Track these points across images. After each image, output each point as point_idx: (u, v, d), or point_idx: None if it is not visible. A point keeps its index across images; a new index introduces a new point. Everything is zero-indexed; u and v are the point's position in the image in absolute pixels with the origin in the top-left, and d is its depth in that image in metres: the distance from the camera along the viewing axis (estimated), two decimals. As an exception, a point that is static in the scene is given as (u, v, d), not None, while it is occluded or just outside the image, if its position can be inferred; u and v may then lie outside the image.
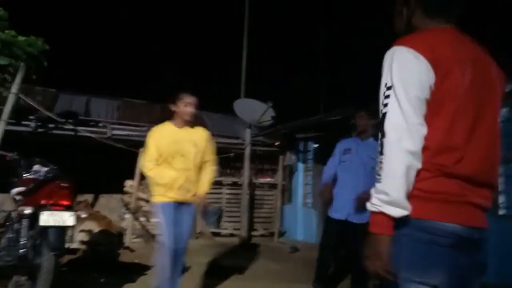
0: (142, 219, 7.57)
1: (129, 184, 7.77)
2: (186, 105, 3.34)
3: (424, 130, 1.26)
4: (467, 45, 1.40)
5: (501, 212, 4.95)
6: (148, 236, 7.45)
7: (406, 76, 1.27)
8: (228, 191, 8.79)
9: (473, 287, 1.34)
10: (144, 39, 16.11)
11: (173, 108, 3.40)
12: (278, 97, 8.71)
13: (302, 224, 8.84)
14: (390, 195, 1.22)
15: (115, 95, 10.34)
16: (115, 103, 10.00)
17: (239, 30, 8.82)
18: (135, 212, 7.45)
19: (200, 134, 3.43)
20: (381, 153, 1.27)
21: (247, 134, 8.33)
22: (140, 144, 7.80)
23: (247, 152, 8.26)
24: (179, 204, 3.28)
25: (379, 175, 1.26)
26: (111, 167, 7.94)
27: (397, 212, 1.23)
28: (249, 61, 8.62)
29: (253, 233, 8.62)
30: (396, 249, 1.27)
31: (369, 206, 1.29)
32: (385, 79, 1.32)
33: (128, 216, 7.49)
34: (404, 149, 1.23)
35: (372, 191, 1.29)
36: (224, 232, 8.45)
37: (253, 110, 8.13)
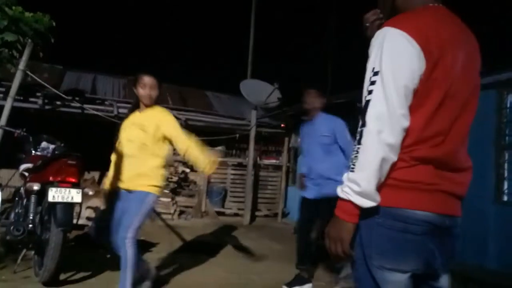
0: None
1: (135, 162, 7.82)
2: (143, 87, 3.05)
3: (406, 122, 1.21)
4: (458, 26, 1.34)
5: (505, 198, 4.94)
6: (153, 214, 7.54)
7: (396, 63, 1.20)
8: (233, 172, 8.83)
9: (442, 272, 1.36)
10: (152, 19, 15.96)
11: (135, 92, 3.13)
12: (285, 78, 8.66)
13: (305, 206, 8.89)
14: (362, 186, 1.19)
15: (122, 74, 10.33)
16: (122, 81, 10.00)
17: (246, 11, 8.72)
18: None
19: (151, 116, 3.09)
20: (359, 142, 1.21)
21: (253, 116, 8.31)
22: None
23: (253, 133, 8.27)
24: (127, 192, 3.08)
25: (353, 163, 1.22)
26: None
27: (365, 203, 1.21)
28: (256, 42, 8.53)
29: (257, 213, 8.71)
30: (369, 236, 1.27)
31: (339, 191, 1.27)
32: (372, 63, 1.24)
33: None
34: (383, 142, 1.18)
35: (344, 177, 1.26)
36: (228, 211, 8.54)
37: (259, 91, 8.09)
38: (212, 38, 15.59)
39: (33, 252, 3.67)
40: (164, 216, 7.57)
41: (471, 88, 1.34)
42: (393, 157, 1.21)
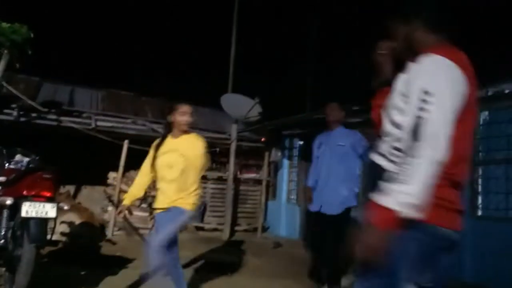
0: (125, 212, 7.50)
1: (112, 176, 7.70)
2: (182, 115, 3.31)
3: (449, 142, 1.32)
4: (468, 60, 1.49)
5: (479, 213, 5.07)
6: (130, 229, 7.40)
7: (449, 87, 1.33)
8: (212, 186, 8.78)
9: (448, 278, 1.48)
10: (131, 30, 15.91)
11: (170, 119, 3.36)
12: (265, 93, 8.72)
13: (285, 220, 8.90)
14: (414, 199, 1.26)
15: (100, 86, 10.21)
16: (100, 93, 9.87)
17: (228, 25, 8.79)
18: (118, 205, 7.39)
19: (189, 143, 3.33)
20: (410, 155, 1.28)
21: (233, 129, 8.32)
22: (124, 136, 7.75)
23: (233, 147, 8.27)
24: (165, 212, 3.28)
25: (406, 175, 1.27)
26: (94, 158, 7.85)
27: (413, 214, 1.27)
28: (237, 56, 8.60)
29: (237, 228, 8.64)
30: (400, 249, 1.33)
31: (385, 200, 1.29)
32: (422, 84, 1.34)
33: (110, 208, 7.43)
34: (437, 159, 1.28)
35: (390, 188, 1.29)
36: (207, 226, 8.45)
37: (240, 105, 8.13)
38: (193, 51, 15.63)
39: (4, 269, 3.54)
40: (141, 231, 7.44)
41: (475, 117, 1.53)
42: (437, 174, 1.30)
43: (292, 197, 9.08)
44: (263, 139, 9.27)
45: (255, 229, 8.77)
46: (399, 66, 1.61)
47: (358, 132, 4.17)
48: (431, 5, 1.58)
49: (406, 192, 1.26)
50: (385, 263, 1.33)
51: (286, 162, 9.37)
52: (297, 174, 9.00)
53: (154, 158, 3.34)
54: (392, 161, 1.41)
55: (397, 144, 1.40)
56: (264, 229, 8.97)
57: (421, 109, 1.31)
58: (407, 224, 1.30)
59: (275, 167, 9.53)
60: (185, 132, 3.36)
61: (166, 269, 3.15)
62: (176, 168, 3.23)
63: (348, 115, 4.60)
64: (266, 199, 9.23)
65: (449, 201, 1.37)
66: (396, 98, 1.47)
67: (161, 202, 3.30)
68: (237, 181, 8.88)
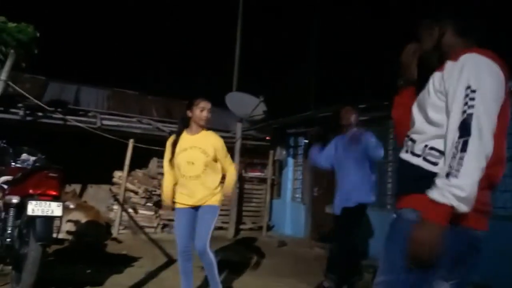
0: (130, 210, 7.54)
1: (118, 175, 7.73)
2: (202, 110, 3.33)
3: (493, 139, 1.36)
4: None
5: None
6: (136, 227, 7.43)
7: (493, 85, 1.38)
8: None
9: (471, 276, 1.56)
10: (136, 29, 15.95)
11: (188, 114, 3.37)
12: (270, 92, 8.71)
13: (290, 219, 8.89)
14: (467, 192, 1.28)
15: (106, 85, 10.25)
16: (105, 92, 9.91)
17: (232, 24, 8.79)
18: (124, 203, 7.42)
19: (207, 139, 3.38)
20: (463, 150, 1.31)
21: (238, 128, 8.32)
22: (130, 135, 7.77)
23: (238, 145, 8.27)
24: (193, 209, 3.37)
25: (456, 169, 1.30)
26: (100, 157, 7.89)
27: (465, 208, 1.30)
28: (242, 55, 8.59)
29: (242, 226, 8.65)
30: (442, 250, 1.36)
31: (436, 195, 1.32)
32: (466, 81, 1.38)
33: (116, 207, 7.46)
34: (486, 153, 1.32)
35: (443, 182, 1.32)
36: (212, 225, 8.46)
37: (244, 104, 8.12)
38: (198, 50, 15.64)
39: (11, 267, 3.57)
40: (147, 230, 7.46)
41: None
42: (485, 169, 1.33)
43: (297, 195, 9.07)
44: (267, 138, 9.27)
45: (260, 228, 8.78)
46: (424, 67, 1.67)
47: (369, 133, 4.13)
48: (464, 10, 1.64)
49: (458, 186, 1.29)
50: (436, 259, 1.36)
51: (291, 160, 9.36)
52: (302, 172, 8.99)
53: (173, 155, 3.34)
54: (427, 160, 1.45)
55: (433, 142, 1.44)
56: (269, 227, 8.97)
57: (467, 105, 1.35)
58: (456, 222, 1.34)
59: (280, 166, 9.52)
60: (203, 128, 3.38)
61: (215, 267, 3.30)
62: (198, 164, 3.28)
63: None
64: (271, 198, 9.22)
65: (485, 204, 1.42)
66: (431, 96, 1.49)
67: (186, 199, 3.34)
68: (242, 179, 8.88)
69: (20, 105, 7.24)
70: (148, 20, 16.35)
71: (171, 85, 12.64)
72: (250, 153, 9.25)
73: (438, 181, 1.34)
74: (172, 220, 8.06)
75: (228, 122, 9.43)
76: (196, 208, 3.35)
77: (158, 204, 7.94)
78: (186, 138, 3.37)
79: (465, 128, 1.33)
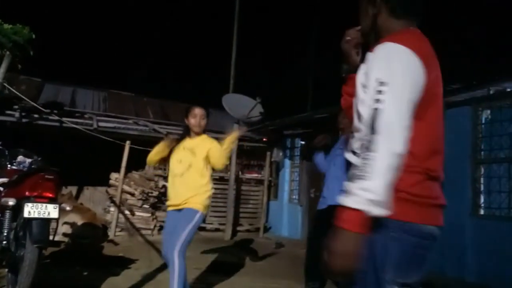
0: (126, 212, 7.52)
1: (114, 177, 7.70)
2: (194, 117, 3.45)
3: (408, 134, 1.24)
4: (432, 48, 1.42)
5: (481, 212, 5.05)
6: (133, 229, 7.41)
7: (405, 76, 1.26)
8: (214, 186, 8.72)
9: (424, 275, 1.41)
10: (132, 31, 15.92)
11: (186, 122, 3.51)
12: (267, 93, 8.72)
13: (287, 220, 8.89)
14: (377, 194, 1.16)
15: (102, 87, 10.23)
16: (102, 94, 9.90)
17: (229, 25, 8.80)
18: (120, 205, 7.40)
19: (202, 142, 3.46)
20: (369, 149, 1.20)
21: (235, 130, 8.31)
22: (126, 136, 7.76)
23: (234, 147, 8.26)
24: (177, 211, 3.35)
25: (364, 171, 1.18)
26: (96, 159, 7.87)
27: (380, 212, 1.18)
28: (239, 56, 8.60)
29: (239, 228, 8.64)
30: (384, 250, 1.26)
31: (346, 201, 1.20)
32: (377, 74, 1.27)
33: (112, 209, 7.43)
34: (395, 151, 1.19)
35: (353, 186, 1.20)
36: (209, 226, 8.45)
37: (241, 105, 8.11)
38: (194, 52, 15.64)
39: (6, 270, 3.54)
40: (143, 232, 7.44)
41: (442, 107, 1.42)
42: (399, 167, 1.21)
43: (294, 197, 9.07)
44: (264, 139, 9.27)
45: (257, 229, 8.77)
46: (365, 52, 1.51)
47: None
48: None
49: (367, 189, 1.16)
50: (365, 268, 1.24)
51: (287, 162, 9.37)
52: (299, 174, 8.99)
53: (170, 151, 3.46)
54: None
55: (364, 139, 1.27)
56: (266, 229, 8.97)
57: (376, 100, 1.24)
58: (386, 224, 1.23)
59: (277, 167, 9.52)
60: (199, 134, 3.48)
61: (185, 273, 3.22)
62: (184, 162, 3.37)
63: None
64: (268, 199, 9.22)
65: (428, 197, 1.30)
66: (358, 90, 1.38)
67: (173, 198, 3.39)
68: (239, 181, 8.88)
69: (16, 107, 7.21)
70: (145, 22, 16.33)
71: (167, 87, 12.64)
72: (247, 154, 9.25)
73: (349, 184, 1.21)
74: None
75: (225, 123, 9.42)
76: (180, 210, 3.35)
77: (155, 206, 7.92)
78: (186, 141, 3.50)
79: (373, 125, 1.21)
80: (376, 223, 1.21)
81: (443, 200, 1.37)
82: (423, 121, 1.30)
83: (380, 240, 1.25)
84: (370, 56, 1.36)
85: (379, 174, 1.17)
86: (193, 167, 3.36)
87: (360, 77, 1.38)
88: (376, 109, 1.23)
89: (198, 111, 3.45)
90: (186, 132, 3.54)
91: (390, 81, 1.24)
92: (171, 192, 3.43)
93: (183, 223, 3.24)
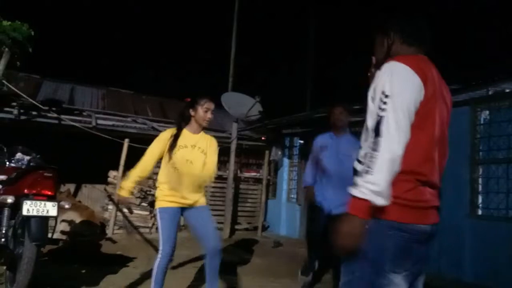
0: (125, 210, 7.51)
1: (113, 174, 7.70)
2: (206, 111, 3.24)
3: (408, 137, 1.49)
4: (436, 72, 1.67)
5: (479, 212, 5.07)
6: (131, 227, 7.41)
7: (404, 89, 1.51)
8: (213, 185, 8.76)
9: (425, 263, 1.67)
10: (131, 29, 15.89)
11: (191, 112, 3.26)
12: (266, 92, 8.72)
13: (285, 219, 8.91)
14: (380, 186, 1.42)
15: (100, 84, 10.22)
16: (100, 92, 9.88)
17: (228, 23, 8.78)
18: (118, 203, 7.39)
19: (207, 140, 3.33)
20: (375, 149, 1.46)
21: (234, 128, 8.32)
22: (125, 134, 7.75)
23: (233, 146, 8.26)
24: (181, 209, 3.21)
25: (369, 167, 1.44)
26: (95, 157, 7.86)
27: (380, 201, 1.43)
28: (238, 55, 8.59)
29: (237, 226, 8.65)
30: (381, 246, 1.52)
31: (354, 192, 1.46)
32: (382, 87, 1.53)
33: (111, 207, 7.43)
34: (394, 151, 1.45)
35: (360, 179, 1.46)
36: (207, 225, 8.45)
37: (240, 104, 8.12)
38: (193, 50, 15.62)
39: (5, 268, 3.54)
40: (142, 230, 7.44)
41: (444, 122, 1.66)
42: (399, 165, 1.47)
43: (292, 196, 9.08)
44: (263, 138, 9.27)
45: (255, 228, 8.78)
46: None
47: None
48: (407, 21, 1.76)
49: (370, 181, 1.43)
50: (367, 256, 1.51)
51: (286, 161, 9.37)
52: (297, 173, 9.00)
53: (172, 148, 3.17)
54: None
55: (370, 146, 1.52)
56: (264, 228, 8.98)
57: (380, 109, 1.50)
58: (383, 225, 1.50)
59: (276, 166, 9.53)
60: (203, 128, 3.32)
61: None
62: (197, 163, 3.18)
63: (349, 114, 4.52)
64: (266, 198, 9.23)
65: (420, 201, 1.54)
66: (369, 104, 1.62)
67: (179, 198, 3.16)
68: (237, 180, 8.88)
69: (14, 104, 7.19)
70: (144, 19, 16.30)
71: (166, 85, 12.63)
72: (245, 153, 9.26)
73: (357, 179, 1.48)
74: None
75: (224, 122, 9.43)
76: (183, 208, 3.20)
77: (153, 204, 7.91)
78: (187, 135, 3.24)
79: (377, 130, 1.48)
80: (375, 223, 1.49)
81: (436, 202, 1.62)
82: (420, 131, 1.53)
83: (380, 238, 1.52)
84: (378, 73, 1.60)
85: (381, 170, 1.43)
86: (203, 168, 3.21)
87: (370, 92, 1.62)
88: (380, 116, 1.49)
89: (210, 105, 3.25)
90: (186, 122, 3.28)
91: (391, 94, 1.50)
92: (175, 189, 3.14)
93: (210, 217, 3.31)
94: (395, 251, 1.52)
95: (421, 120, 1.53)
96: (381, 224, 1.50)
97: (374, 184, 1.43)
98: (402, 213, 1.51)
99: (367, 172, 1.45)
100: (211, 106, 3.27)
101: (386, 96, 1.50)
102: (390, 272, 1.52)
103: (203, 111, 3.23)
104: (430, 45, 1.75)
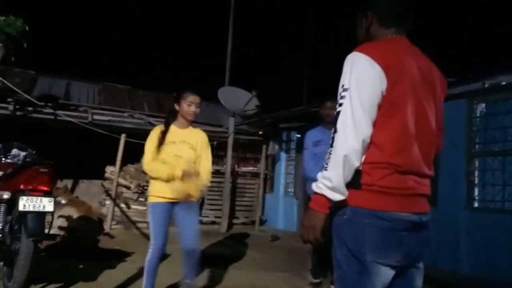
0: (122, 205, 7.52)
1: (110, 170, 7.69)
2: (189, 105, 3.19)
3: (368, 131, 1.44)
4: (415, 54, 1.59)
5: (476, 204, 5.09)
6: (128, 222, 7.41)
7: (361, 81, 1.44)
8: (210, 179, 8.77)
9: (420, 257, 1.59)
10: (127, 24, 15.80)
11: (176, 107, 3.23)
12: (263, 86, 8.71)
13: (283, 213, 8.93)
14: (333, 182, 1.42)
15: (97, 79, 10.16)
16: (96, 87, 9.84)
17: (225, 18, 8.74)
18: (116, 199, 7.39)
19: (196, 135, 3.30)
20: (331, 145, 1.45)
21: (231, 123, 8.31)
22: (121, 129, 7.73)
23: (230, 140, 8.26)
24: (172, 203, 3.18)
25: (326, 164, 1.44)
26: (91, 152, 7.84)
27: (336, 196, 1.43)
28: (235, 49, 8.56)
29: (235, 221, 8.67)
30: (360, 235, 1.47)
31: (314, 187, 1.48)
32: (342, 80, 1.49)
33: (108, 202, 7.43)
34: (349, 147, 1.41)
35: (319, 175, 1.47)
36: (205, 219, 8.46)
37: (237, 98, 8.11)
38: (190, 44, 15.55)
39: (2, 263, 3.54)
40: (139, 225, 7.45)
41: (425, 107, 1.56)
42: (357, 160, 1.44)
43: (290, 190, 9.10)
44: (260, 132, 9.27)
45: (252, 222, 8.80)
46: None
47: None
48: (385, 1, 1.65)
49: (326, 177, 1.43)
50: (340, 253, 1.50)
51: (283, 155, 9.38)
52: (294, 167, 9.01)
53: (160, 144, 3.14)
54: None
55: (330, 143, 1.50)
56: (262, 222, 9.00)
57: (339, 104, 1.46)
58: (360, 213, 1.45)
59: (273, 160, 9.54)
60: (190, 123, 3.28)
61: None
62: (185, 159, 3.15)
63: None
64: (264, 192, 9.24)
65: (398, 188, 1.46)
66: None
67: (168, 192, 3.12)
68: (234, 174, 8.89)
69: (9, 99, 7.16)
70: (140, 14, 16.21)
71: (162, 80, 12.58)
72: (243, 147, 9.25)
73: (318, 174, 1.48)
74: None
75: (221, 116, 9.42)
76: (174, 203, 3.18)
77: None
78: (174, 130, 3.23)
79: (335, 125, 1.45)
80: (353, 212, 1.47)
81: (423, 190, 1.55)
82: (390, 119, 1.46)
83: (358, 227, 1.47)
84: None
85: (335, 166, 1.42)
86: (191, 164, 3.18)
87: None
88: (338, 111, 1.46)
89: (194, 98, 3.20)
90: (173, 118, 3.26)
91: (350, 87, 1.45)
92: (166, 185, 3.11)
93: (195, 220, 3.35)
94: (376, 240, 1.45)
95: (389, 108, 1.46)
96: (358, 212, 1.46)
97: (328, 179, 1.43)
98: (379, 201, 1.46)
99: (325, 168, 1.45)
100: (195, 99, 3.21)
101: (345, 90, 1.46)
102: (373, 262, 1.45)
103: (186, 105, 3.19)
104: (412, 25, 1.65)
